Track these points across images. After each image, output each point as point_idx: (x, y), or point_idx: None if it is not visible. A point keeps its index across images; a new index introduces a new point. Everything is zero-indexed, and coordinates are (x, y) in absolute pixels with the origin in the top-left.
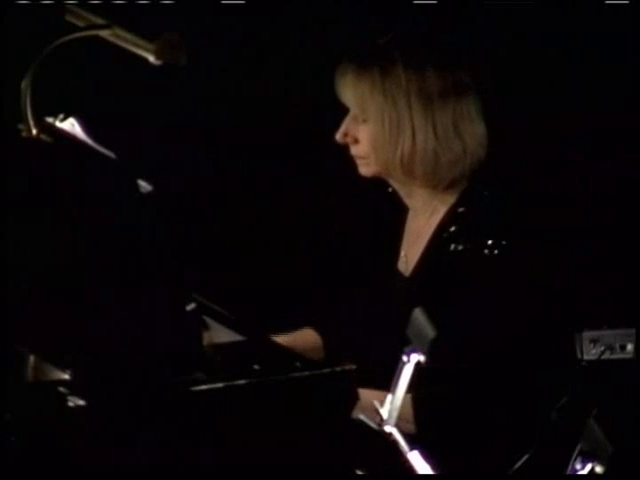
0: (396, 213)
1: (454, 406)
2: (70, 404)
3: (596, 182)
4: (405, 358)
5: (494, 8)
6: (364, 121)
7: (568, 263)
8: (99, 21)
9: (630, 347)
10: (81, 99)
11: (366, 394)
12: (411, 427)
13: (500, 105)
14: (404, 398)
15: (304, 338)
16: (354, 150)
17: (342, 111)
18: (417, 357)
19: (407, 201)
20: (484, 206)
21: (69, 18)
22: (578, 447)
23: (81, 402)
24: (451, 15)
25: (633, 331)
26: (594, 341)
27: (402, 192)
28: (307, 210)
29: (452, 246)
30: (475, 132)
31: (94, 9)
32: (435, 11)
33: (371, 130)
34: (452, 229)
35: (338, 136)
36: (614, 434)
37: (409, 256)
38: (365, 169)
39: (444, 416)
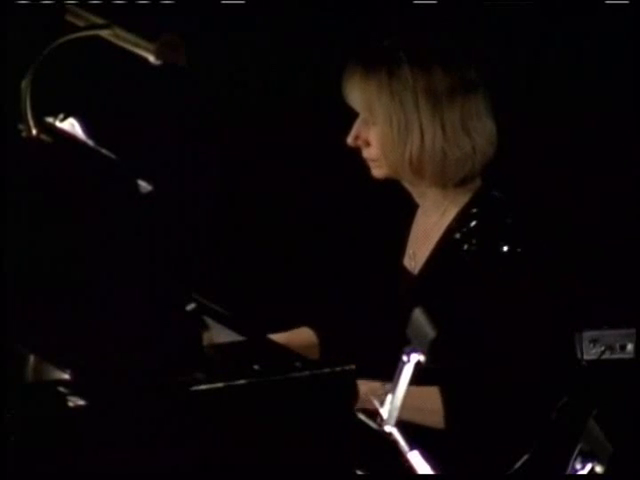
0: (403, 210)
1: (481, 399)
2: (70, 404)
3: (596, 182)
4: (405, 358)
5: (494, 8)
6: (374, 124)
7: (568, 263)
8: (99, 21)
9: (630, 347)
10: (81, 99)
11: (364, 385)
12: (437, 419)
13: (501, 105)
14: (429, 391)
15: (300, 336)
16: (366, 153)
17: (343, 110)
18: (417, 357)
19: (419, 201)
20: (496, 208)
21: (69, 18)
22: (578, 447)
23: (81, 402)
24: (451, 15)
25: (633, 331)
26: (594, 341)
27: (414, 192)
28: (307, 208)
29: (465, 247)
30: (484, 129)
31: (94, 9)
32: (435, 11)
33: (380, 132)
34: (464, 230)
35: (349, 140)
36: (614, 434)
37: (417, 254)
38: (377, 171)
39: (473, 408)
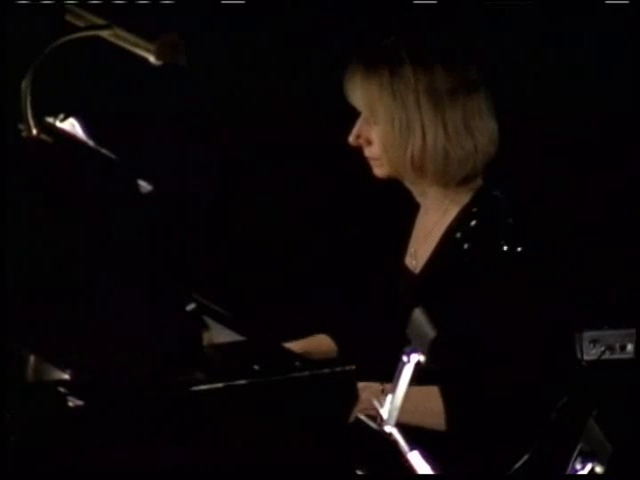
0: (405, 209)
1: (481, 399)
2: (70, 404)
3: (596, 182)
4: (405, 358)
5: (494, 8)
6: (375, 123)
7: (569, 263)
8: (99, 21)
9: (630, 347)
10: (81, 99)
11: (364, 387)
12: (438, 421)
13: (502, 105)
14: (429, 391)
15: (318, 344)
16: (367, 152)
17: (343, 110)
18: (417, 357)
19: (420, 200)
20: (497, 208)
21: (69, 18)
22: (578, 447)
23: (81, 402)
24: (451, 15)
25: (633, 331)
26: (594, 341)
27: (415, 191)
28: (307, 208)
29: (465, 246)
30: (486, 128)
31: (94, 9)
32: (435, 11)
33: (381, 131)
34: (465, 229)
35: (351, 138)
36: (614, 434)
37: (419, 253)
38: (379, 170)
39: (474, 408)
